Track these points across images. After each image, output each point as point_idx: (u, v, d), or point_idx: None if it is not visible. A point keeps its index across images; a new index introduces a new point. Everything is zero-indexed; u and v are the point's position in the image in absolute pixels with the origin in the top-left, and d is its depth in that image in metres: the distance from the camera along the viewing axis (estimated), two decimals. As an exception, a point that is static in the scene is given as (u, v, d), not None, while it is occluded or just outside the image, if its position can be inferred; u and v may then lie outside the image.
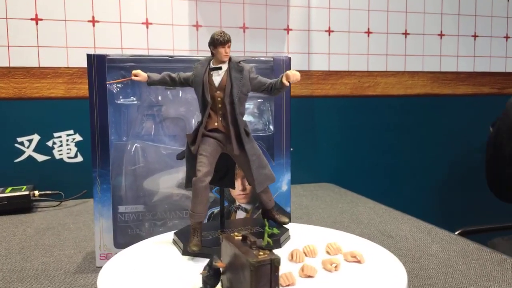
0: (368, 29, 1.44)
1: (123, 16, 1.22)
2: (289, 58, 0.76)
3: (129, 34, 1.22)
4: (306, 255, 0.55)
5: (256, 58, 0.76)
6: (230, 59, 0.57)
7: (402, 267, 0.51)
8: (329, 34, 1.40)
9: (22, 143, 1.17)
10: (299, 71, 1.52)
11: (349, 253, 0.53)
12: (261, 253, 0.40)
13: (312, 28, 1.38)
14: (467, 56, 1.53)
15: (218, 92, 0.56)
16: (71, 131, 1.20)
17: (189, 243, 0.54)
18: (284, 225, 0.63)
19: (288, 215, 0.77)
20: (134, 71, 0.59)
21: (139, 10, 1.23)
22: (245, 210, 0.78)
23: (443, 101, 1.52)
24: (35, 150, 1.18)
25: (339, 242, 0.57)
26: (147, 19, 1.24)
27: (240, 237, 0.44)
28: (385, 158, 1.48)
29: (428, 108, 1.51)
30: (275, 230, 0.47)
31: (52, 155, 1.19)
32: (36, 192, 1.10)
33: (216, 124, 0.57)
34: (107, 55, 0.70)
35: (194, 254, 0.54)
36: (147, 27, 1.24)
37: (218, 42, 0.55)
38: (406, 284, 0.47)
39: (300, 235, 0.63)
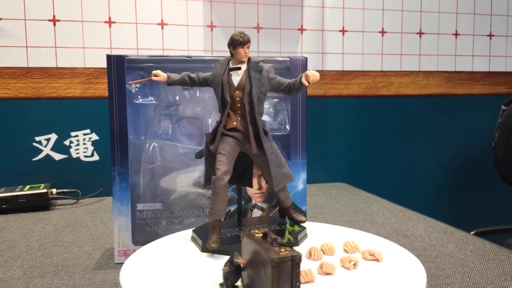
0: (383, 28, 1.43)
1: (139, 17, 1.23)
2: (306, 58, 0.76)
3: (145, 34, 1.24)
4: (324, 253, 0.55)
5: (273, 58, 0.76)
6: (249, 59, 0.57)
7: (421, 265, 0.51)
8: (343, 34, 1.40)
9: (40, 142, 1.19)
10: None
11: (367, 252, 0.53)
12: (282, 250, 0.40)
13: (326, 28, 1.38)
14: (483, 55, 1.52)
15: (237, 92, 0.57)
16: (88, 130, 1.22)
17: (208, 240, 0.55)
18: (301, 224, 0.63)
19: (304, 213, 0.78)
20: (154, 72, 0.60)
21: (154, 11, 1.24)
22: (261, 209, 0.78)
23: (458, 101, 1.51)
24: (52, 149, 1.20)
25: (356, 240, 0.57)
26: (162, 19, 1.25)
27: (261, 235, 0.44)
28: (399, 158, 1.47)
29: (443, 108, 1.50)
30: (296, 228, 0.47)
31: (69, 154, 1.21)
32: (54, 190, 1.12)
33: (235, 123, 0.57)
34: (127, 56, 0.72)
35: (213, 251, 0.55)
36: (163, 28, 1.25)
37: (237, 42, 0.56)
38: (425, 282, 0.47)
39: (317, 233, 0.63)
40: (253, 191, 0.78)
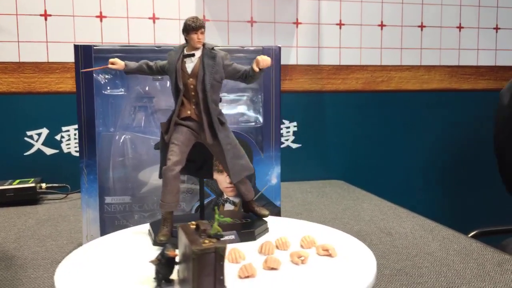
0: (382, 22, 1.39)
1: (130, 11, 1.22)
2: (279, 48, 0.74)
3: (136, 29, 1.23)
4: (278, 248, 0.53)
5: (245, 48, 0.74)
6: (203, 45, 0.55)
7: (374, 261, 0.48)
8: (340, 28, 1.37)
9: (31, 137, 1.20)
10: (308, 65, 1.48)
11: (321, 246, 0.51)
12: (206, 241, 0.38)
13: (322, 21, 1.35)
14: (488, 49, 1.46)
15: (191, 79, 0.55)
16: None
17: (159, 233, 0.53)
18: (264, 218, 0.61)
19: (275, 208, 0.75)
20: (111, 60, 0.59)
21: (146, 5, 1.23)
22: (233, 203, 0.76)
23: (462, 97, 1.46)
24: (44, 144, 1.21)
25: (314, 235, 0.54)
26: (154, 14, 1.24)
27: (195, 226, 0.42)
28: (399, 155, 1.43)
29: (446, 104, 1.45)
30: (227, 219, 0.45)
31: (60, 148, 1.22)
32: (43, 185, 1.12)
33: (189, 112, 0.55)
34: (94, 46, 0.70)
35: (162, 245, 0.53)
36: (154, 22, 1.24)
37: (190, 28, 0.54)
38: (372, 280, 0.44)
39: (282, 228, 0.60)
40: (225, 185, 0.76)
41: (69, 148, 1.22)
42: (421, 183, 1.45)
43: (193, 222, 0.43)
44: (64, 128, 1.21)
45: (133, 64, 0.59)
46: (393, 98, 1.42)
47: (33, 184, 1.09)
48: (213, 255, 0.37)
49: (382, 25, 1.39)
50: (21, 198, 1.08)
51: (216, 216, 0.40)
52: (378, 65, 1.40)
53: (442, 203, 1.45)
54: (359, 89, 1.40)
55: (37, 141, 1.20)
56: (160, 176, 0.56)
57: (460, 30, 1.44)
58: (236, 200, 0.76)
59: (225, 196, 0.76)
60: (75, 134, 1.22)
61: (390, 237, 0.83)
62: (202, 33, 0.54)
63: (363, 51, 1.39)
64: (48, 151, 1.21)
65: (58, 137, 1.21)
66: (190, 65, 0.55)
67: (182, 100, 0.55)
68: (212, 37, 1.27)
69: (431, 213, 1.01)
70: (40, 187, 1.11)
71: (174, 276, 0.43)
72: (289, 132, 1.36)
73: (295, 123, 1.36)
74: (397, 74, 1.42)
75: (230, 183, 0.74)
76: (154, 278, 0.43)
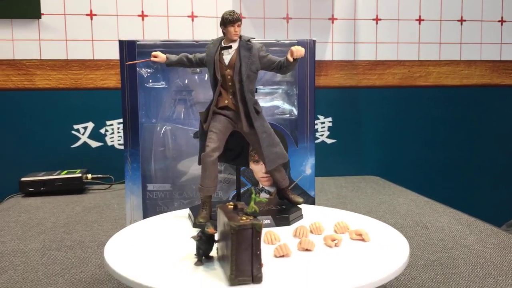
0: (420, 16, 1.38)
1: (170, 10, 1.27)
2: (314, 41, 0.75)
3: (176, 27, 1.27)
4: (312, 232, 0.54)
5: (280, 42, 0.76)
6: (240, 38, 0.58)
7: (407, 246, 0.49)
8: (377, 23, 1.36)
9: (78, 130, 1.26)
10: (344, 61, 1.49)
11: (354, 231, 0.52)
12: (244, 218, 0.40)
13: (358, 17, 1.35)
14: (532, 42, 1.41)
15: (228, 70, 0.57)
16: (122, 120, 1.27)
17: (198, 215, 0.56)
18: (298, 205, 0.63)
19: (310, 198, 0.77)
20: (153, 53, 0.62)
21: (185, 4, 1.27)
22: (269, 193, 0.78)
23: (504, 92, 1.42)
24: (89, 137, 1.27)
25: (347, 221, 0.56)
26: (192, 12, 1.28)
27: (233, 206, 0.45)
28: (436, 151, 1.40)
29: (486, 100, 1.42)
30: (263, 199, 0.47)
31: (104, 141, 1.28)
32: (89, 176, 1.19)
33: (226, 101, 0.58)
34: (137, 41, 0.74)
35: (201, 226, 0.56)
36: (193, 20, 1.28)
37: (227, 21, 0.56)
38: (405, 261, 0.45)
39: (316, 216, 0.62)
40: (261, 175, 0.78)
41: (112, 141, 1.28)
42: (459, 179, 1.42)
43: (231, 203, 0.46)
44: (108, 122, 1.27)
45: (173, 57, 0.62)
46: (431, 94, 1.40)
47: (79, 175, 1.16)
48: (250, 231, 0.39)
49: (420, 20, 1.38)
50: (68, 187, 1.14)
51: (253, 195, 0.42)
52: (416, 60, 1.39)
53: (481, 198, 1.42)
54: (396, 84, 1.38)
55: (83, 134, 1.27)
56: (199, 163, 0.59)
57: (502, 24, 1.40)
58: (272, 189, 0.78)
59: (261, 186, 0.79)
60: (118, 128, 1.28)
61: (426, 230, 0.83)
62: (239, 26, 0.57)
63: (400, 46, 1.38)
64: (93, 143, 1.27)
65: (102, 131, 1.27)
66: (227, 56, 0.57)
67: (220, 90, 0.58)
68: (248, 33, 1.29)
69: (469, 208, 1.00)
70: (86, 178, 1.18)
71: (213, 253, 0.46)
72: (324, 127, 1.36)
73: (330, 119, 1.37)
74: (436, 69, 1.40)
75: (266, 172, 0.77)
76: (195, 255, 0.46)
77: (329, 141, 1.37)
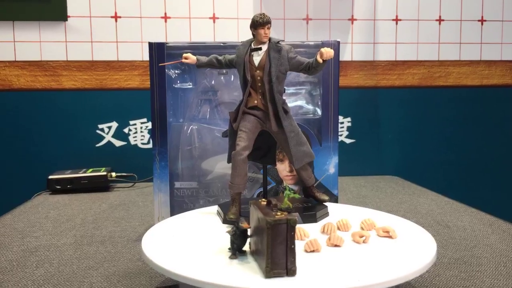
0: (440, 16, 1.38)
1: (192, 12, 1.29)
2: (338, 42, 0.77)
3: (198, 28, 1.30)
4: (339, 229, 0.56)
5: (305, 43, 0.78)
6: (270, 40, 0.59)
7: (434, 243, 0.50)
8: (397, 23, 1.37)
9: (102, 130, 1.30)
10: (363, 61, 1.49)
11: (381, 228, 0.54)
12: (278, 213, 0.42)
13: (378, 17, 1.36)
14: (554, 42, 1.40)
15: (258, 71, 0.59)
16: (145, 119, 1.30)
17: (228, 212, 0.58)
18: (324, 203, 0.64)
19: (333, 196, 0.78)
20: (184, 55, 0.64)
21: (207, 6, 1.30)
22: (292, 191, 0.80)
23: (525, 92, 1.41)
24: (113, 136, 1.30)
25: (374, 219, 0.57)
26: (214, 14, 1.30)
27: (266, 202, 0.47)
28: (455, 151, 1.40)
29: (506, 100, 1.41)
30: (296, 195, 0.49)
31: (128, 141, 1.31)
32: (113, 174, 1.22)
33: (255, 102, 0.60)
34: (166, 43, 0.77)
35: (232, 222, 0.58)
36: (214, 22, 1.31)
37: (258, 23, 0.58)
38: (432, 258, 0.46)
39: (341, 213, 0.64)
40: (285, 174, 0.80)
41: (135, 140, 1.31)
42: (479, 179, 1.42)
43: (264, 199, 0.47)
44: (131, 122, 1.30)
45: (203, 58, 0.65)
46: (451, 94, 1.40)
47: (104, 173, 1.19)
48: (285, 226, 0.41)
49: (440, 20, 1.38)
50: (94, 185, 1.17)
51: (286, 191, 0.44)
52: (436, 60, 1.39)
53: (502, 199, 1.41)
54: (415, 84, 1.39)
55: (107, 133, 1.30)
56: (229, 161, 0.61)
57: (523, 23, 1.40)
58: (295, 187, 0.80)
59: (285, 184, 0.80)
60: (141, 128, 1.31)
61: (448, 229, 0.83)
62: (269, 28, 0.59)
63: (420, 46, 1.38)
64: (117, 143, 1.30)
65: (126, 130, 1.30)
66: (257, 58, 0.59)
67: (250, 91, 0.60)
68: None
69: (490, 208, 1.00)
70: (111, 176, 1.21)
71: (246, 247, 0.48)
72: (343, 127, 1.37)
73: (349, 119, 1.38)
74: (456, 69, 1.40)
75: (290, 171, 0.79)
76: (229, 249, 0.48)
77: (348, 141, 1.38)
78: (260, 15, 0.58)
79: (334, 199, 0.79)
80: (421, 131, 1.40)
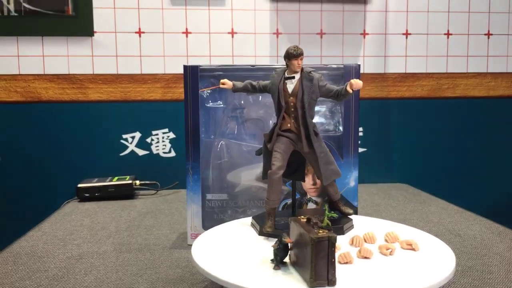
0: (448, 30, 1.44)
1: (212, 28, 1.36)
2: (359, 66, 0.83)
3: (217, 43, 1.36)
4: (365, 241, 0.62)
5: (328, 66, 0.84)
6: (302, 69, 0.66)
7: (452, 255, 0.56)
8: (407, 37, 1.43)
9: (126, 139, 1.36)
10: (374, 73, 1.55)
11: (405, 241, 0.60)
12: (320, 231, 0.48)
13: (389, 31, 1.42)
14: (558, 55, 1.46)
15: (291, 98, 0.65)
16: (166, 130, 1.37)
17: (265, 225, 0.65)
18: (349, 216, 0.70)
19: (354, 208, 0.84)
20: (222, 80, 0.71)
21: (225, 21, 1.36)
22: (315, 203, 0.86)
23: (530, 103, 1.47)
24: (136, 146, 1.36)
25: (397, 231, 0.63)
26: (232, 29, 1.36)
27: (305, 219, 0.53)
28: (465, 161, 1.46)
29: (512, 110, 1.47)
30: (334, 214, 0.55)
31: (150, 150, 1.37)
32: (137, 182, 1.28)
33: (289, 125, 0.66)
34: (200, 66, 0.83)
35: (268, 235, 0.64)
36: (233, 37, 1.37)
37: (292, 55, 0.64)
38: (452, 270, 0.53)
39: (363, 225, 0.70)
40: (308, 186, 0.86)
41: (157, 149, 1.37)
42: (487, 189, 1.48)
43: (303, 216, 0.54)
44: (154, 132, 1.37)
45: (239, 84, 0.71)
46: (459, 105, 1.46)
47: (130, 181, 1.25)
48: (327, 242, 0.47)
49: (448, 34, 1.44)
50: (120, 193, 1.24)
51: (326, 211, 0.50)
52: (444, 73, 1.45)
53: (509, 208, 1.47)
54: (425, 95, 1.45)
55: (131, 143, 1.36)
56: (264, 177, 0.67)
57: (528, 37, 1.46)
58: (318, 199, 0.86)
59: (308, 196, 0.86)
60: (163, 137, 1.37)
61: (459, 238, 0.89)
62: (302, 59, 0.65)
63: (429, 59, 1.44)
64: (140, 152, 1.37)
65: (148, 140, 1.37)
66: (290, 86, 0.66)
67: (283, 115, 0.66)
68: (284, 48, 1.38)
69: (498, 217, 1.06)
70: (135, 184, 1.27)
71: (286, 259, 0.54)
72: (355, 136, 1.43)
73: (360, 128, 1.44)
74: (463, 81, 1.46)
75: (313, 184, 0.85)
76: (271, 260, 0.54)
77: (360, 150, 1.44)
78: (294, 47, 0.64)
79: (355, 210, 0.85)
80: (430, 140, 1.46)
